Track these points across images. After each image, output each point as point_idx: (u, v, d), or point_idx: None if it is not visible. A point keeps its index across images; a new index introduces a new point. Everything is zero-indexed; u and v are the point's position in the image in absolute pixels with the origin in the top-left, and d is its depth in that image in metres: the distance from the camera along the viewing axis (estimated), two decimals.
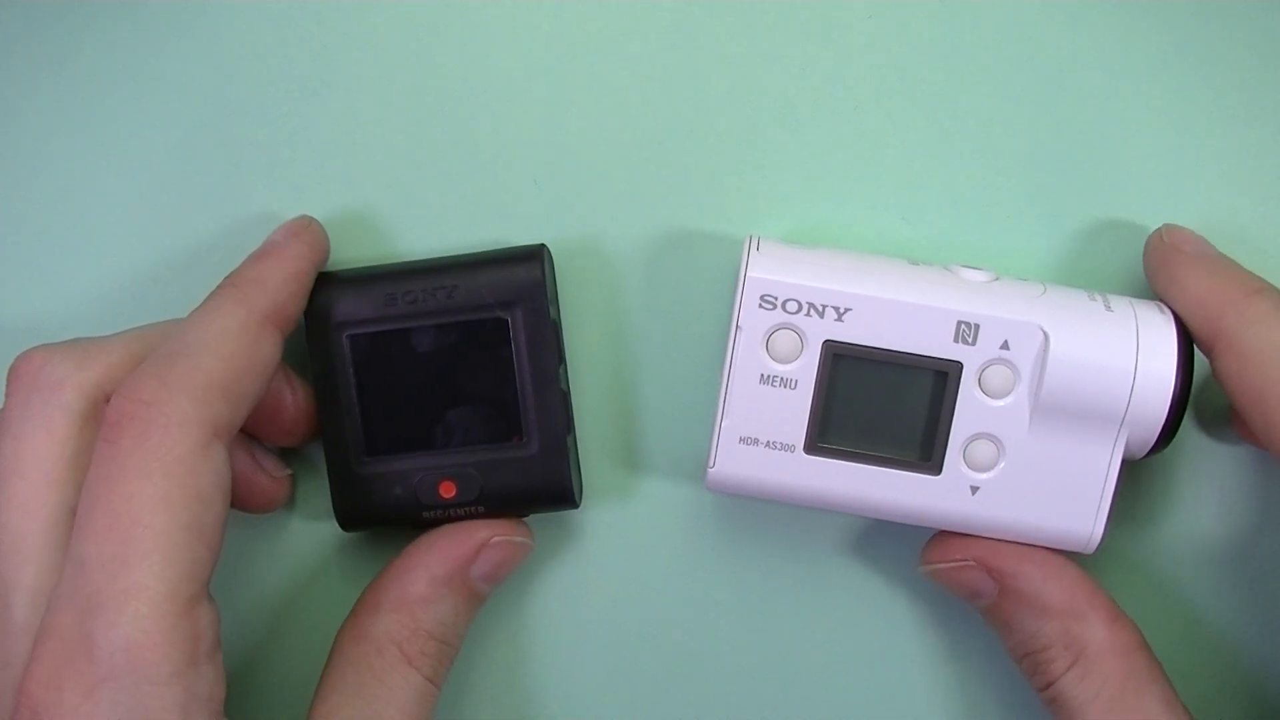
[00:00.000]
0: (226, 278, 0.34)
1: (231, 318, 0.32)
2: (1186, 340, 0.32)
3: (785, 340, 0.33)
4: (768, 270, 0.32)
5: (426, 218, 0.37)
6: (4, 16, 0.37)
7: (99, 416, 0.31)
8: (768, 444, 0.33)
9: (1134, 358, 0.32)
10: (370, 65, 0.37)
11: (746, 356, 0.33)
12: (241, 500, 0.36)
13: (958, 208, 0.36)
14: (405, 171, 0.37)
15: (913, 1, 0.36)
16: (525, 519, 0.36)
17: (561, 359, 0.36)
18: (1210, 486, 0.36)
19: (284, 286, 0.33)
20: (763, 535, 0.37)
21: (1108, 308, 0.32)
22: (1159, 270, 0.34)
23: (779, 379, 0.33)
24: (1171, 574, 0.37)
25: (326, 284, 0.35)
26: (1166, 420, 0.32)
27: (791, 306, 0.32)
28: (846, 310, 0.32)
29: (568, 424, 0.35)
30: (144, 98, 0.37)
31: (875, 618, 0.37)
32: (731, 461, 0.33)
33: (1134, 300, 0.33)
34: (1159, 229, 0.35)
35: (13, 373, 0.32)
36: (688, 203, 0.37)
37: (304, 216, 0.36)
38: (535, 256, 0.35)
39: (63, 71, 0.37)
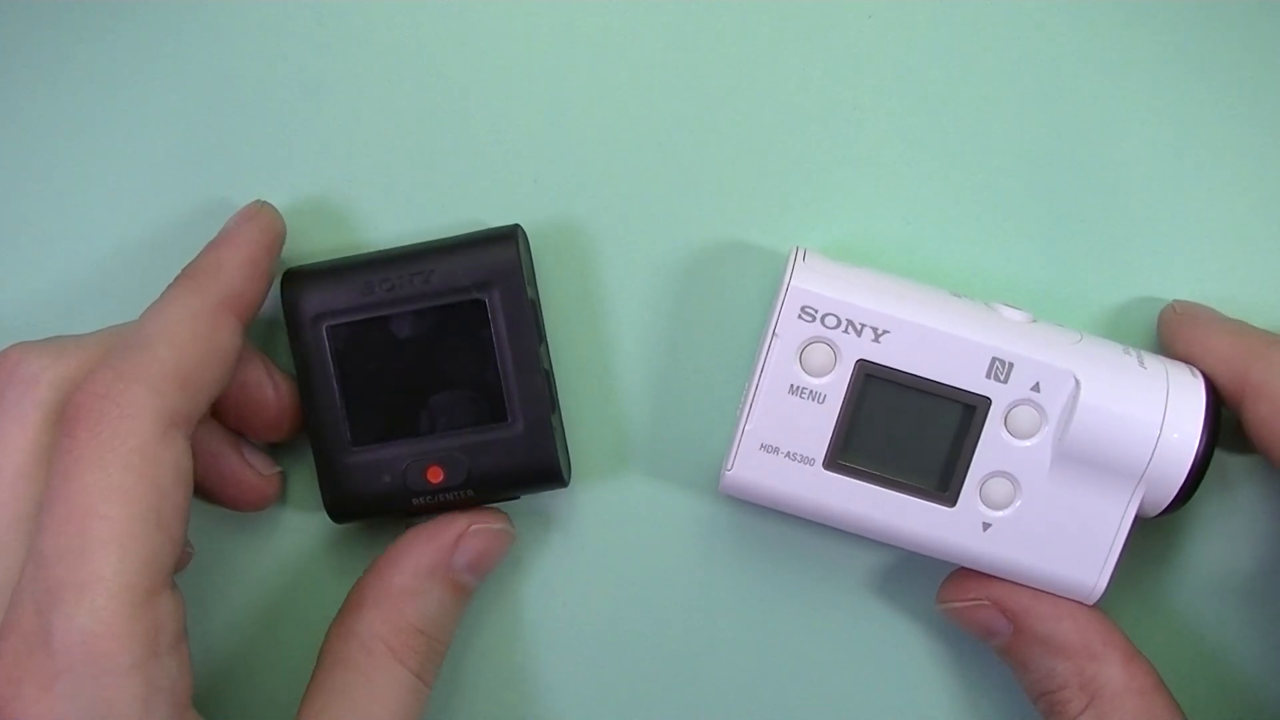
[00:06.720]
0: (183, 269, 0.33)
1: (186, 307, 0.32)
2: (1215, 405, 0.32)
3: (819, 354, 0.32)
4: (812, 283, 0.32)
5: (413, 211, 0.37)
6: None
7: None
8: (788, 455, 0.33)
9: (1161, 416, 0.32)
10: (363, 61, 0.37)
11: (779, 365, 0.33)
12: (232, 499, 0.36)
13: (958, 217, 0.36)
14: (398, 169, 0.37)
15: (912, 4, 0.36)
16: (515, 499, 0.36)
17: (542, 338, 0.35)
18: (1231, 529, 0.36)
19: (238, 272, 0.33)
20: (759, 522, 0.37)
21: (1141, 364, 0.33)
22: (1178, 335, 0.35)
23: (808, 391, 0.33)
24: (1190, 615, 0.37)
25: (303, 276, 0.35)
26: (1185, 481, 0.32)
27: (830, 321, 0.32)
28: (884, 332, 0.32)
29: (552, 403, 0.35)
30: (127, 95, 0.37)
31: (862, 613, 0.37)
32: (749, 467, 0.33)
33: (1167, 361, 0.33)
34: (1170, 304, 0.36)
35: None
36: (680, 191, 0.37)
37: (257, 201, 0.36)
38: (510, 237, 0.35)
39: (46, 72, 0.37)
